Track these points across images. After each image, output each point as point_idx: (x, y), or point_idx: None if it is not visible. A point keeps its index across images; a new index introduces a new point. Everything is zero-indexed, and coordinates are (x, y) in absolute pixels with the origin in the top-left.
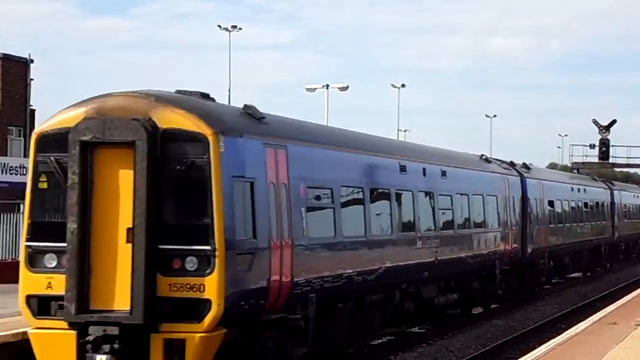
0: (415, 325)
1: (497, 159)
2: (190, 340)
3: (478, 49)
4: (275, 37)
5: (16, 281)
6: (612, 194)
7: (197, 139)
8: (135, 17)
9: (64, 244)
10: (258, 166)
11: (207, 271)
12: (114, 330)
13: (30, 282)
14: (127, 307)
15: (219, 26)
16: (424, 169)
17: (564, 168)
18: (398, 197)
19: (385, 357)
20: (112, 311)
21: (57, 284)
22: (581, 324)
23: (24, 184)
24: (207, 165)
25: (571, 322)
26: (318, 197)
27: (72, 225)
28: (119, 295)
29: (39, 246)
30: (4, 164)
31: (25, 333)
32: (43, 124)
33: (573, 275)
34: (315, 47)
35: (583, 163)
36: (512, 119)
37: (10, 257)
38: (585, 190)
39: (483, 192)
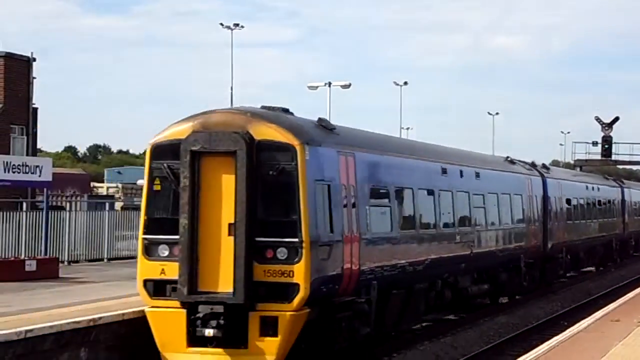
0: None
1: (520, 161)
2: (282, 317)
3: (481, 47)
4: (278, 35)
5: (19, 280)
6: (622, 192)
7: (286, 148)
8: (137, 15)
9: (175, 237)
10: (333, 171)
11: (296, 260)
12: (219, 309)
13: (146, 269)
14: (230, 290)
15: (221, 24)
16: (461, 171)
17: (567, 165)
18: (440, 196)
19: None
20: (217, 293)
21: (170, 270)
22: (584, 321)
23: (27, 182)
24: (294, 171)
25: (574, 320)
26: (378, 197)
27: (183, 221)
28: (223, 279)
29: (153, 238)
30: (7, 162)
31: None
32: (156, 136)
33: (586, 269)
34: (317, 45)
35: (586, 160)
36: (515, 117)
37: (13, 256)
38: (598, 188)
39: (510, 192)
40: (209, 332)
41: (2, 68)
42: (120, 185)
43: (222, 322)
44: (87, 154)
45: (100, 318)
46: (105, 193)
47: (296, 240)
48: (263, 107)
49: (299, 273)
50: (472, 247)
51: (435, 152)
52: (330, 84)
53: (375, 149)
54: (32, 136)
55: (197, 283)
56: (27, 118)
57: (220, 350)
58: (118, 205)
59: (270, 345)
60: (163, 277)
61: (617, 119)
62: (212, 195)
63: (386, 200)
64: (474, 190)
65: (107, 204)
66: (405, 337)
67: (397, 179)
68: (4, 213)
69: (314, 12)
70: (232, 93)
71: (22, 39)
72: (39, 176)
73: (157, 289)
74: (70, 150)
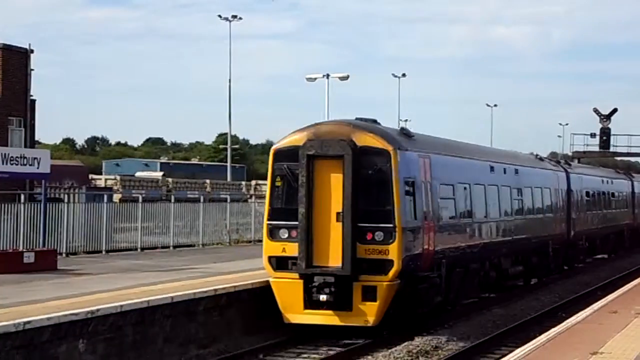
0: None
1: (547, 158)
2: (380, 286)
3: (480, 38)
4: (277, 27)
5: (17, 271)
6: (632, 185)
7: (382, 153)
8: (137, 7)
9: (294, 222)
10: (416, 170)
11: (390, 241)
12: (330, 279)
13: (270, 248)
14: (339, 264)
15: (220, 16)
16: (504, 169)
17: (565, 157)
18: (489, 190)
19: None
20: (329, 267)
21: (289, 249)
22: (582, 312)
23: (25, 174)
24: (389, 171)
25: (572, 311)
26: (445, 191)
27: (301, 210)
28: (333, 256)
29: (276, 224)
30: (5, 154)
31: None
32: (278, 142)
33: (598, 256)
34: (316, 37)
35: (584, 152)
36: (513, 108)
37: (11, 248)
38: (612, 182)
39: (541, 186)
40: (322, 297)
41: (0, 60)
42: (118, 177)
43: (332, 289)
44: (85, 146)
45: (98, 310)
46: (103, 185)
47: (390, 225)
48: (357, 119)
49: (393, 252)
50: (512, 233)
51: (484, 152)
52: (328, 75)
53: (442, 152)
54: (30, 128)
55: (313, 259)
56: (25, 110)
57: (330, 312)
58: (116, 197)
59: (371, 309)
60: (284, 254)
61: (615, 110)
62: (323, 190)
63: (451, 194)
64: (513, 185)
65: (105, 196)
66: (457, 310)
67: (458, 176)
68: (2, 205)
69: (313, 4)
70: (230, 85)
71: (22, 30)
72: (37, 168)
73: (279, 264)
74: (69, 142)
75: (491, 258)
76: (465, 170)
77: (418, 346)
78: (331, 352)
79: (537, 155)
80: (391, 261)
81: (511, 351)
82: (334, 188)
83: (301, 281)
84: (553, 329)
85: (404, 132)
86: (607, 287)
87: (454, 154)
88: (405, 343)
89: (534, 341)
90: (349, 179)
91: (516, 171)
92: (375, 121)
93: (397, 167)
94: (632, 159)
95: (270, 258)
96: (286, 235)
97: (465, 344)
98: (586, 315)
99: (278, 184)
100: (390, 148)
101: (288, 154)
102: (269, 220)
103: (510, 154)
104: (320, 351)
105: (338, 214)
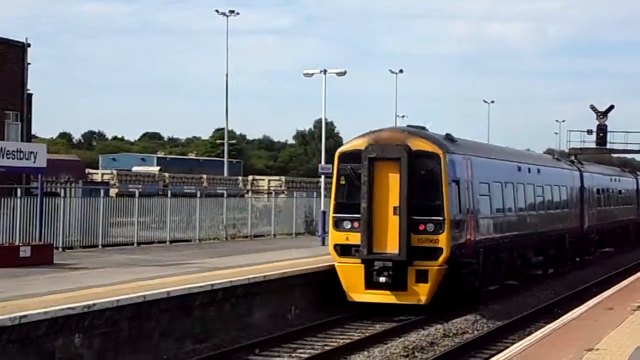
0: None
1: (563, 158)
2: (431, 270)
3: (477, 35)
4: (274, 22)
5: (13, 265)
6: (637, 182)
7: (433, 156)
8: (133, 1)
9: (356, 215)
10: (460, 171)
11: (440, 232)
12: (388, 264)
13: (336, 237)
14: (396, 251)
15: (217, 11)
16: (529, 168)
17: (562, 154)
18: (516, 188)
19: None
20: (387, 253)
21: (352, 238)
22: (577, 309)
23: (21, 168)
24: (439, 171)
25: (567, 307)
26: (483, 189)
27: (363, 204)
28: (390, 244)
29: (340, 216)
30: (1, 148)
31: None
32: (342, 146)
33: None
34: (314, 32)
35: (580, 149)
36: (510, 105)
37: (8, 242)
38: (619, 179)
39: (559, 184)
40: (382, 279)
41: None
42: (115, 172)
43: (390, 273)
44: (82, 141)
45: (94, 304)
46: (100, 179)
47: (440, 218)
48: (409, 126)
49: (442, 241)
50: (536, 227)
51: (512, 154)
52: (325, 71)
53: (480, 154)
54: (27, 122)
55: (373, 246)
56: (22, 104)
57: (388, 292)
58: (113, 191)
59: (423, 289)
60: (347, 242)
61: (612, 107)
62: (382, 188)
63: (487, 191)
64: (536, 183)
65: (101, 191)
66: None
67: (493, 175)
68: None
69: None
70: (227, 80)
71: (18, 24)
72: (34, 162)
73: (343, 250)
74: (65, 136)
75: (518, 248)
76: (498, 170)
77: (414, 342)
78: (386, 327)
79: (554, 155)
80: (440, 249)
81: (507, 347)
82: (392, 186)
83: (362, 265)
84: (548, 325)
85: (449, 137)
86: (613, 279)
87: (489, 156)
88: (401, 339)
89: (529, 337)
90: (404, 178)
91: (538, 170)
92: (424, 128)
93: (445, 168)
94: (629, 156)
95: (335, 245)
96: (349, 226)
97: (460, 340)
98: (582, 312)
99: (342, 182)
100: (440, 152)
101: (351, 157)
102: (334, 213)
103: (533, 155)
104: (377, 326)
105: (395, 208)
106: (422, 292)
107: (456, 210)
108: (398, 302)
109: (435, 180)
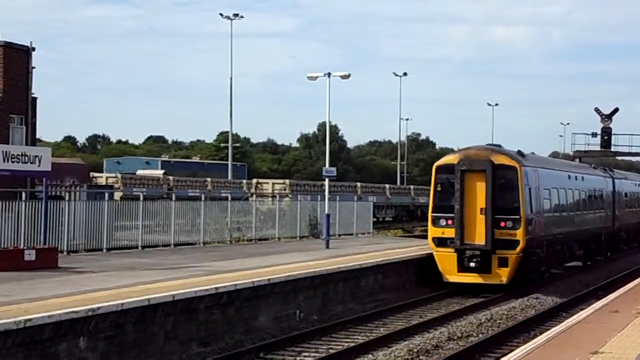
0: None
1: (598, 166)
2: (510, 257)
3: (480, 38)
4: (277, 26)
5: (18, 269)
6: None
7: (512, 168)
8: (137, 5)
9: (450, 214)
10: (531, 179)
11: (517, 227)
12: (477, 252)
13: (434, 232)
14: (483, 242)
15: (221, 14)
16: (575, 176)
17: (566, 157)
18: (567, 192)
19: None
20: (475, 244)
21: (447, 232)
22: (582, 312)
23: (26, 172)
24: (517, 180)
25: (573, 311)
26: (545, 194)
27: (456, 206)
28: (478, 237)
29: (438, 215)
30: (6, 152)
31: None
32: (438, 161)
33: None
34: (317, 36)
35: (585, 151)
36: (514, 108)
37: (12, 246)
38: None
39: (597, 189)
40: (471, 264)
41: (2, 57)
42: (119, 175)
43: (478, 259)
44: (86, 144)
45: (99, 308)
46: (104, 183)
47: (517, 217)
48: (489, 144)
49: (519, 234)
50: (580, 225)
51: (564, 164)
52: (329, 74)
53: (542, 165)
54: (31, 126)
55: (464, 239)
56: (26, 108)
57: (476, 274)
58: (117, 195)
59: (504, 272)
60: (443, 236)
61: (616, 110)
62: (470, 193)
63: (548, 196)
64: (580, 189)
65: (106, 194)
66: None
67: (551, 182)
68: (3, 203)
69: (313, 3)
70: (231, 83)
71: (22, 28)
72: (38, 166)
73: (440, 242)
74: (70, 140)
75: (567, 242)
76: (555, 178)
77: (418, 344)
78: (474, 302)
79: (592, 165)
80: (518, 241)
81: (512, 350)
82: (478, 192)
83: (455, 254)
84: (554, 328)
85: (520, 153)
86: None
87: (548, 167)
88: (406, 342)
89: (534, 341)
90: (489, 185)
91: (582, 178)
92: (500, 146)
93: (521, 177)
94: (633, 159)
95: (434, 238)
96: (444, 223)
97: (464, 343)
98: (587, 315)
99: (439, 188)
100: (517, 165)
101: (446, 169)
102: (432, 213)
103: (578, 165)
104: (469, 300)
105: (481, 209)
106: (503, 274)
107: (529, 210)
108: (484, 282)
109: (513, 187)
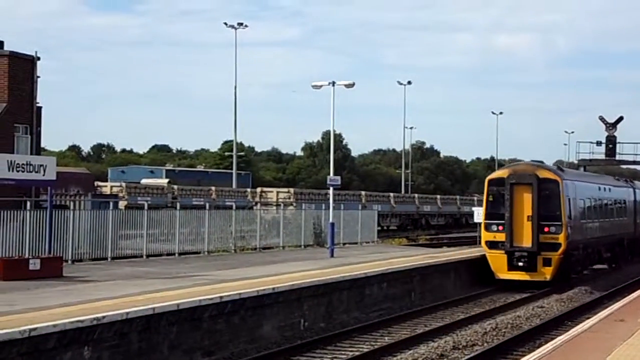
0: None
1: (620, 178)
2: (553, 258)
3: (484, 46)
4: (281, 35)
5: (23, 278)
6: None
7: (554, 181)
8: (141, 13)
9: (501, 221)
10: (569, 191)
11: (559, 232)
12: (524, 254)
13: (486, 236)
14: (530, 245)
15: (225, 23)
16: (604, 188)
17: (570, 165)
18: (597, 202)
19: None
20: (523, 246)
21: (498, 237)
22: (588, 321)
23: (31, 181)
24: (558, 192)
25: (578, 319)
26: (581, 204)
27: (507, 214)
28: (526, 240)
29: (490, 222)
30: (11, 161)
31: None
32: (490, 175)
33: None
34: (321, 44)
35: (590, 160)
36: (518, 116)
37: (17, 255)
38: None
39: (621, 198)
40: (520, 264)
41: (6, 67)
42: (123, 184)
43: (525, 259)
44: (91, 153)
45: (103, 317)
46: (108, 192)
47: (559, 223)
48: (533, 161)
49: (561, 238)
50: (607, 231)
51: (594, 177)
52: (334, 83)
53: (578, 179)
54: (36, 135)
55: (513, 242)
56: (31, 117)
57: (523, 272)
58: (122, 204)
59: (548, 270)
60: (495, 239)
61: (621, 118)
62: (519, 203)
63: (582, 205)
64: (607, 198)
65: (110, 203)
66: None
67: (586, 193)
68: (8, 212)
69: (318, 11)
70: (235, 92)
71: (27, 38)
72: (43, 175)
73: (492, 245)
74: (74, 149)
75: (597, 246)
76: (588, 190)
77: (423, 354)
78: (479, 311)
79: (616, 177)
80: (560, 244)
81: (517, 359)
82: (525, 202)
83: (505, 255)
84: (559, 337)
85: (559, 168)
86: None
87: (583, 180)
88: (411, 351)
89: (539, 350)
90: (535, 196)
91: (609, 189)
92: (542, 162)
93: (563, 189)
94: (638, 167)
95: (486, 242)
96: (496, 229)
97: (469, 352)
98: (592, 324)
99: (491, 199)
100: (559, 178)
101: (497, 182)
102: (485, 220)
103: (605, 177)
104: (473, 310)
105: (528, 216)
106: (547, 272)
107: (568, 218)
108: (531, 279)
109: (555, 197)
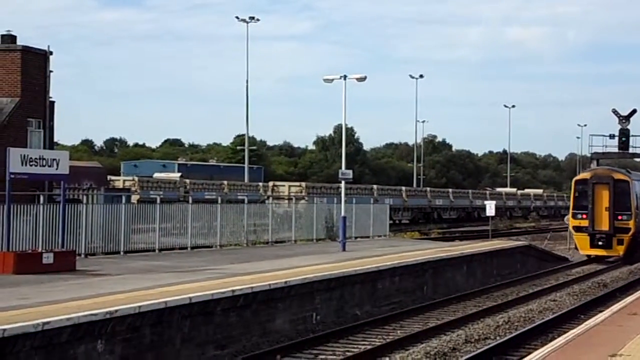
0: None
1: None
2: (625, 238)
3: (496, 39)
4: (292, 28)
5: (37, 272)
6: None
7: (626, 181)
8: (152, 8)
9: (585, 211)
10: (638, 188)
11: (629, 219)
12: (603, 235)
13: (573, 222)
14: (607, 228)
15: (237, 17)
16: None
17: (583, 158)
18: None
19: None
20: (602, 230)
21: (582, 223)
22: (601, 314)
23: (44, 175)
24: (629, 189)
25: (591, 313)
26: None
27: (589, 206)
28: (604, 225)
29: (577, 212)
30: (24, 155)
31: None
32: (577, 176)
33: None
34: (332, 38)
35: (603, 153)
36: (531, 109)
37: (31, 249)
38: None
39: None
40: (599, 243)
41: (19, 61)
42: (136, 178)
43: (604, 240)
44: (104, 147)
45: (116, 310)
46: (121, 186)
47: (629, 212)
48: (608, 166)
49: (631, 224)
50: None
51: None
52: (345, 77)
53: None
54: (49, 129)
55: (594, 226)
56: (44, 111)
57: (602, 249)
58: (134, 198)
59: (620, 248)
60: (580, 225)
61: (634, 111)
62: (598, 197)
63: None
64: None
65: (123, 197)
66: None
67: None
68: (22, 206)
69: (327, 5)
70: (247, 86)
71: (38, 32)
72: (56, 169)
73: (578, 229)
74: (87, 143)
75: None
76: None
77: (435, 347)
78: (491, 304)
79: None
80: (629, 228)
81: (529, 353)
82: (604, 197)
83: (588, 237)
84: (571, 331)
85: (628, 171)
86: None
87: None
88: (423, 344)
89: (552, 343)
90: (611, 192)
91: None
92: (613, 167)
93: (632, 187)
94: None
95: (574, 227)
96: (581, 217)
97: (482, 346)
98: (605, 317)
99: (577, 194)
100: (629, 179)
101: (582, 182)
102: (573, 210)
103: None
104: (485, 303)
105: (606, 207)
106: (620, 249)
107: (636, 209)
108: (607, 254)
109: (626, 194)
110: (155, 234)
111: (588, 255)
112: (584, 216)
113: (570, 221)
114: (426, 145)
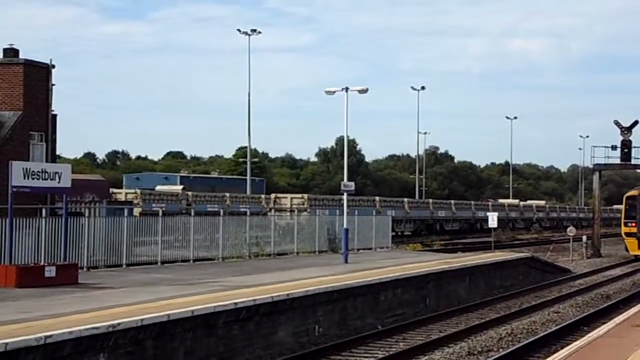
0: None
1: None
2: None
3: (498, 51)
4: (294, 41)
5: (39, 285)
6: None
7: (635, 197)
8: (155, 21)
9: (634, 220)
10: None
11: (634, 225)
12: None
13: (625, 229)
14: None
15: (239, 30)
16: None
17: (586, 170)
18: None
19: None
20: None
21: (631, 230)
22: (604, 326)
23: (46, 188)
24: (637, 202)
25: (594, 325)
26: None
27: (637, 217)
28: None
29: (627, 221)
30: (26, 168)
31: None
32: (628, 193)
33: None
34: (333, 50)
35: (605, 164)
36: (533, 121)
37: (33, 262)
38: None
39: None
40: None
41: (22, 75)
42: (138, 191)
43: None
44: (106, 160)
45: (119, 323)
46: (123, 199)
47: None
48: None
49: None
50: None
51: None
52: (347, 89)
53: None
54: (51, 143)
55: None
56: (47, 125)
57: None
58: (136, 211)
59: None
60: (630, 231)
61: (636, 122)
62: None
63: None
64: None
65: (125, 210)
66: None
67: None
68: (24, 219)
69: (329, 17)
70: (249, 99)
71: (42, 46)
72: (58, 182)
73: (628, 234)
74: (89, 156)
75: None
76: None
77: None
78: (494, 316)
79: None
80: (637, 233)
81: None
82: None
83: (637, 240)
84: (575, 343)
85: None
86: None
87: None
88: (426, 357)
89: (554, 355)
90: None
91: None
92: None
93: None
94: None
95: (625, 233)
96: (630, 225)
97: (485, 358)
98: (608, 329)
99: (627, 207)
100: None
101: (631, 197)
102: (624, 219)
103: None
104: (489, 315)
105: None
106: None
107: None
108: None
109: (636, 206)
110: (158, 246)
111: (635, 255)
112: (633, 224)
113: (622, 228)
114: (428, 157)
